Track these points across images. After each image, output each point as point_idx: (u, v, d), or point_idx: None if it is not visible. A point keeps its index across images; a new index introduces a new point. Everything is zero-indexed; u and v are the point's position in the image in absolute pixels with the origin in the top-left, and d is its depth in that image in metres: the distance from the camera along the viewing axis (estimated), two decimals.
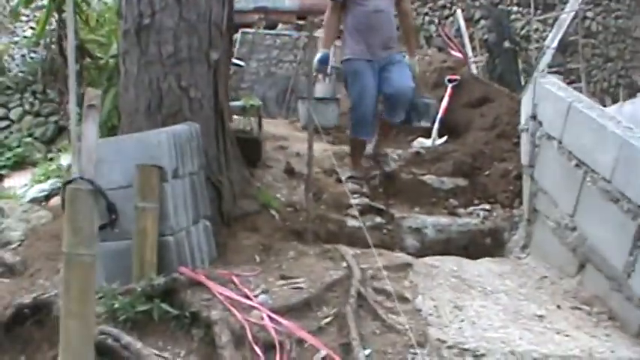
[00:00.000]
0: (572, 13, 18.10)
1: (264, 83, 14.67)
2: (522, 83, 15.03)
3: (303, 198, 5.89)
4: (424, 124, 7.23)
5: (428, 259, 5.21)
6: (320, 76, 7.82)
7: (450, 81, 8.54)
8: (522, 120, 7.01)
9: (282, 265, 4.74)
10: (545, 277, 5.05)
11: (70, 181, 3.09)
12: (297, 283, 4.36)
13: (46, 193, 6.35)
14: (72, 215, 3.04)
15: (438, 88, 8.58)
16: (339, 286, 4.32)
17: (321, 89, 9.35)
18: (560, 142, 5.23)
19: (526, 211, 5.81)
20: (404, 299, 4.30)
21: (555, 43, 18.10)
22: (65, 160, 7.19)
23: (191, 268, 4.33)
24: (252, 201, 5.56)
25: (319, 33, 9.58)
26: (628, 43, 19.95)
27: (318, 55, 6.49)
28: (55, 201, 6.01)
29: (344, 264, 4.69)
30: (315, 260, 4.80)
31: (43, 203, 6.16)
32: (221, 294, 4.03)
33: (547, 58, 18.19)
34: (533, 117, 5.67)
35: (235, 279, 4.35)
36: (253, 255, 4.97)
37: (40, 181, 6.82)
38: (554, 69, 17.91)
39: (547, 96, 5.48)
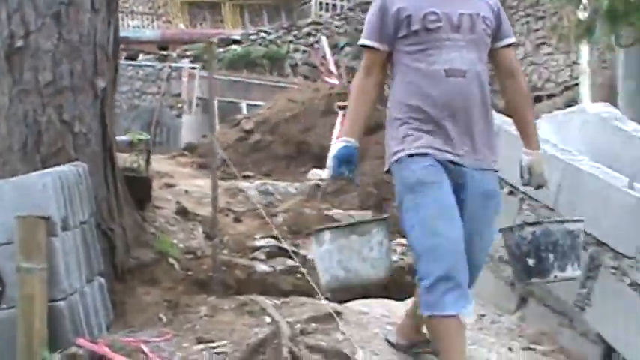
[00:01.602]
0: None
1: (127, 117, 13.84)
2: None
3: (202, 242, 5.25)
4: (573, 272, 3.56)
5: (354, 305, 4.68)
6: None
7: (340, 108, 8.10)
8: None
9: (195, 324, 4.08)
10: (483, 315, 4.63)
11: None
12: (219, 346, 3.74)
13: None
14: None
15: (327, 116, 8.14)
16: (267, 347, 3.73)
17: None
18: None
19: None
20: (343, 356, 3.75)
21: None
22: None
23: (89, 338, 3.62)
24: (147, 249, 4.86)
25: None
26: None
27: (335, 149, 3.37)
28: None
29: (267, 318, 4.10)
30: (233, 316, 4.17)
31: None
32: None
33: None
34: None
35: (144, 347, 3.66)
36: (157, 313, 4.27)
37: None
38: None
39: None
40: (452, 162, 3.26)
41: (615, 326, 3.75)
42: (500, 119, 4.82)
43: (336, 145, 3.38)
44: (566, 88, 19.06)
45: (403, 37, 3.31)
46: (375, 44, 3.35)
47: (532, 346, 4.14)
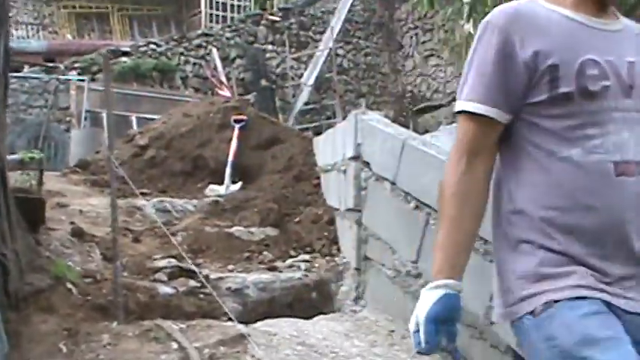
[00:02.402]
0: (326, 51, 18.38)
1: (12, 131, 13.24)
2: (282, 121, 14.83)
3: (101, 264, 5.02)
4: None
5: (262, 326, 4.56)
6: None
7: (236, 122, 7.96)
8: (323, 160, 6.61)
9: (98, 354, 3.86)
10: (393, 331, 4.60)
11: None
12: None
13: None
14: None
15: (223, 130, 7.97)
16: None
17: None
18: (393, 183, 4.81)
19: (354, 260, 5.34)
20: None
21: (311, 81, 18.28)
22: None
23: None
24: (42, 274, 4.58)
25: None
26: (377, 78, 20.61)
27: (428, 302, 2.06)
28: None
29: (174, 344, 3.92)
30: (137, 343, 3.96)
31: None
32: None
33: (304, 96, 18.31)
34: (356, 157, 5.22)
35: None
36: (57, 344, 4.01)
37: None
38: (311, 106, 18.06)
39: (373, 134, 5.06)
40: (625, 310, 1.92)
41: None
42: (409, 136, 4.81)
43: (428, 295, 2.05)
44: (454, 99, 19.52)
45: (540, 103, 1.98)
46: (491, 111, 1.98)
47: None
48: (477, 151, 2.01)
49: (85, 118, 13.40)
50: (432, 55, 19.81)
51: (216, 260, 5.67)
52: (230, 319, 4.78)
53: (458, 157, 2.01)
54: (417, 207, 4.59)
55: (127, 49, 15.68)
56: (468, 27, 12.88)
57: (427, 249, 4.50)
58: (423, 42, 20.10)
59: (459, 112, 2.03)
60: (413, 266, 4.61)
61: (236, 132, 7.89)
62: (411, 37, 20.36)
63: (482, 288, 4.02)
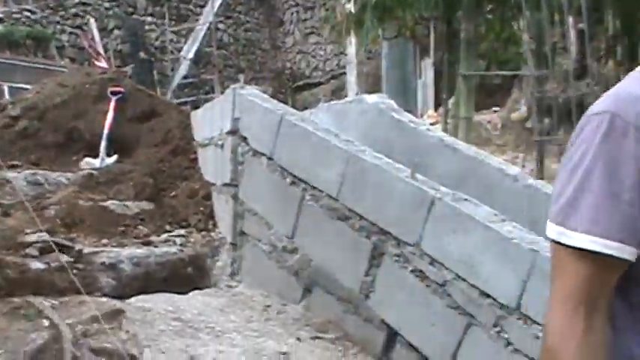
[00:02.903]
0: (206, 25, 18.19)
1: None
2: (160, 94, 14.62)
3: None
4: None
5: (137, 301, 4.49)
6: None
7: (113, 93, 7.76)
8: (201, 134, 6.56)
9: None
10: (269, 305, 4.63)
11: None
12: None
13: None
14: None
15: (100, 102, 7.75)
16: (47, 353, 3.49)
17: None
18: (270, 159, 4.83)
19: (229, 235, 5.33)
20: (130, 357, 3.59)
21: (191, 54, 18.07)
22: None
23: None
24: None
25: None
26: (257, 54, 20.56)
27: None
28: None
29: (45, 322, 3.82)
30: (5, 322, 3.83)
31: None
32: None
33: (183, 69, 18.09)
34: (233, 132, 5.20)
35: None
36: None
37: None
38: (189, 80, 17.86)
39: (251, 108, 5.05)
40: None
41: (399, 311, 3.88)
42: (287, 111, 4.84)
43: None
44: (334, 77, 19.67)
45: None
46: (624, 250, 1.39)
47: (319, 334, 4.19)
48: (597, 302, 1.42)
49: None
50: (312, 32, 19.93)
51: (90, 234, 5.53)
52: (104, 295, 4.71)
53: (571, 310, 1.41)
54: (293, 182, 4.63)
55: (0, 16, 15.04)
56: (349, 6, 13.03)
57: (303, 225, 4.56)
58: (304, 20, 20.18)
59: (565, 245, 1.42)
60: (289, 241, 4.66)
61: (112, 104, 7.69)
62: (292, 14, 20.40)
63: (356, 263, 4.13)
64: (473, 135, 11.71)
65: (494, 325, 3.44)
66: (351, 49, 16.58)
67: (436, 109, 14.96)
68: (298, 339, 4.09)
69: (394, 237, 3.90)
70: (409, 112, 6.02)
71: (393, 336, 3.96)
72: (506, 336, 3.39)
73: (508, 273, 3.40)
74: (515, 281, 3.35)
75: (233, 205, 5.27)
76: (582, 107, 9.93)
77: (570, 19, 13.47)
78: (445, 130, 10.51)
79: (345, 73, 17.69)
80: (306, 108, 7.63)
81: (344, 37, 14.82)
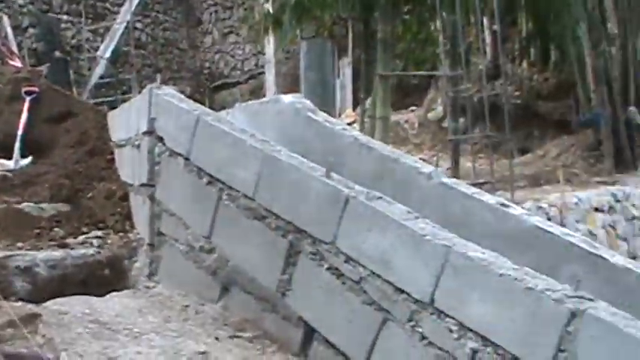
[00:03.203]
0: (124, 24, 17.95)
1: None
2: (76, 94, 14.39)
3: None
4: None
5: (53, 304, 4.43)
6: None
7: (27, 93, 7.62)
8: (117, 135, 6.52)
9: None
10: (187, 306, 4.63)
11: None
12: None
13: None
14: None
15: (14, 102, 7.61)
16: None
17: None
18: (187, 159, 4.83)
19: (147, 236, 5.31)
20: None
21: (108, 54, 17.81)
22: None
23: None
24: None
25: None
26: (175, 54, 20.41)
27: None
28: None
29: None
30: None
31: None
32: None
33: (100, 69, 17.83)
34: (150, 132, 5.18)
35: None
36: None
37: None
38: (106, 79, 17.61)
39: (168, 109, 5.04)
40: None
41: (316, 309, 3.94)
42: (203, 112, 4.85)
43: None
44: (252, 77, 19.68)
45: None
46: None
47: (237, 333, 4.22)
48: None
49: None
50: (231, 32, 19.90)
51: (5, 238, 5.44)
52: (20, 299, 4.63)
53: None
54: (210, 182, 4.65)
55: None
56: (268, 6, 13.07)
57: (220, 224, 4.59)
58: (223, 19, 20.12)
59: None
60: (206, 241, 4.68)
61: (27, 104, 7.56)
62: (211, 14, 20.32)
63: (273, 262, 4.17)
64: (390, 134, 11.91)
65: (409, 320, 3.51)
66: (270, 48, 16.62)
67: (354, 108, 15.12)
68: (217, 338, 4.11)
69: (310, 235, 3.96)
70: (327, 112, 6.09)
71: (310, 333, 4.01)
72: (420, 330, 3.46)
73: (421, 269, 3.48)
74: (428, 277, 3.44)
75: (150, 205, 5.25)
76: (496, 107, 10.21)
77: (485, 21, 13.82)
78: (362, 129, 10.65)
79: (263, 73, 17.73)
80: (224, 108, 7.63)
81: (262, 37, 14.87)
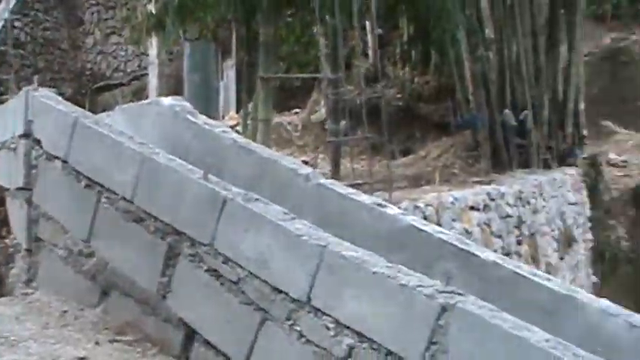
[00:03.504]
0: (1, 23, 17.39)
1: None
2: None
3: None
4: None
5: None
6: None
7: None
8: None
9: None
10: (66, 311, 4.58)
11: None
12: None
13: None
14: None
15: None
16: None
17: None
18: (65, 162, 4.78)
19: (24, 241, 5.20)
20: None
21: None
22: None
23: None
24: None
25: None
26: (56, 54, 19.91)
27: None
28: None
29: None
30: None
31: None
32: None
33: None
34: (26, 135, 5.09)
35: None
36: None
37: None
38: None
39: (46, 111, 4.97)
40: None
41: (196, 310, 3.98)
42: (81, 114, 4.81)
43: None
44: (135, 78, 19.42)
45: None
46: None
47: (118, 337, 4.21)
48: None
49: None
50: (113, 32, 19.57)
51: None
52: None
53: None
54: (88, 185, 4.62)
55: None
56: (150, 6, 12.93)
57: (99, 228, 4.56)
58: (105, 19, 19.76)
59: None
60: (85, 245, 4.64)
61: None
62: (93, 14, 19.92)
63: (153, 265, 4.19)
64: (274, 136, 11.99)
65: (287, 319, 3.59)
66: (153, 50, 16.44)
67: (238, 111, 15.14)
68: (97, 343, 4.09)
69: (189, 237, 4.00)
70: (210, 116, 6.12)
71: (191, 335, 4.04)
72: (298, 328, 3.55)
73: (298, 268, 3.57)
74: (304, 276, 3.53)
75: (27, 210, 5.16)
76: (378, 109, 10.42)
77: (368, 24, 14.07)
78: (245, 131, 10.67)
79: (146, 74, 17.52)
80: (105, 109, 7.55)
81: (145, 38, 14.70)
